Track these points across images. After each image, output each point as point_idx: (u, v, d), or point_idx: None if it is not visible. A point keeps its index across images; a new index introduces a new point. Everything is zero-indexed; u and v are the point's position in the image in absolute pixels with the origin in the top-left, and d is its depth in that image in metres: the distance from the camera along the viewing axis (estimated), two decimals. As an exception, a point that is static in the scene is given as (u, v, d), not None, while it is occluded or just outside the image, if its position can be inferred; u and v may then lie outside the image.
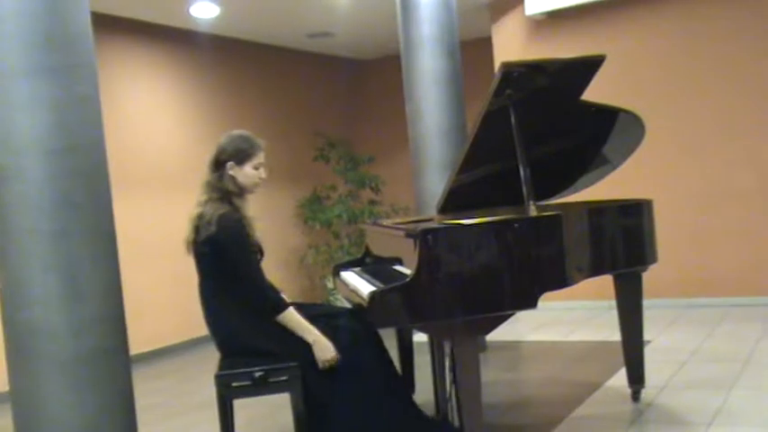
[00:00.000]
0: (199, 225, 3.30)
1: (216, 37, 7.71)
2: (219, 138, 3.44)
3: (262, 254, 3.44)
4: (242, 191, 3.39)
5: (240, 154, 3.36)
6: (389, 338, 4.18)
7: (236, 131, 3.46)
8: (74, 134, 3.05)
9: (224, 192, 3.34)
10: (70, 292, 3.02)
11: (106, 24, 6.48)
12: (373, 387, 3.28)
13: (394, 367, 3.46)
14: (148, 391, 5.44)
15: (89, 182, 3.11)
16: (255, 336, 3.28)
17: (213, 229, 3.23)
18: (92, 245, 3.09)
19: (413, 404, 3.44)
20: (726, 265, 6.50)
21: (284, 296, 3.38)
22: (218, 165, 3.37)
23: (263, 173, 3.43)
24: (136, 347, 6.22)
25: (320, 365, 3.21)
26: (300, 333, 3.24)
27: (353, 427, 3.24)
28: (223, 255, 3.25)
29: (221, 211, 3.27)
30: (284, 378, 3.21)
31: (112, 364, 3.13)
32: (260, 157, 3.40)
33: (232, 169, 3.35)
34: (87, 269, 3.06)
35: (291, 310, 3.26)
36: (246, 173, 3.38)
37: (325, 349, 3.22)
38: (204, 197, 3.36)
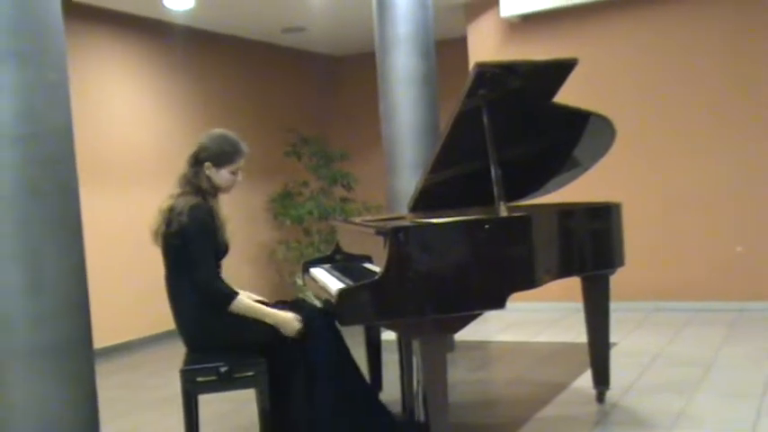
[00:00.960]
0: (170, 217, 3.28)
1: (190, 29, 7.64)
2: (201, 134, 3.44)
3: (226, 249, 3.42)
4: (215, 191, 3.40)
5: (221, 157, 3.37)
6: (358, 336, 4.18)
7: (221, 131, 3.46)
8: (41, 121, 3.01)
9: (197, 188, 3.34)
10: (32, 282, 2.97)
11: (79, 14, 6.39)
12: (335, 385, 3.29)
13: (357, 369, 3.47)
14: (113, 385, 5.39)
15: (55, 170, 3.06)
16: (220, 328, 3.26)
17: (184, 219, 3.22)
18: (56, 234, 3.05)
19: (378, 403, 3.45)
20: (692, 270, 6.58)
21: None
22: (197, 161, 3.37)
23: (239, 177, 3.44)
24: (102, 341, 6.18)
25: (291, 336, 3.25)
26: (258, 316, 3.25)
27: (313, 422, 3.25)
28: (189, 243, 3.24)
29: (193, 203, 3.27)
30: (250, 374, 3.21)
31: (75, 357, 3.09)
32: (240, 163, 3.42)
33: (209, 170, 3.35)
34: (51, 259, 3.01)
35: (240, 298, 3.27)
36: (222, 176, 3.39)
37: (288, 325, 3.25)
38: (178, 190, 3.35)
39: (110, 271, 6.60)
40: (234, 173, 3.40)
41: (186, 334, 3.38)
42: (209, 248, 3.28)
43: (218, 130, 3.46)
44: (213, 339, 3.29)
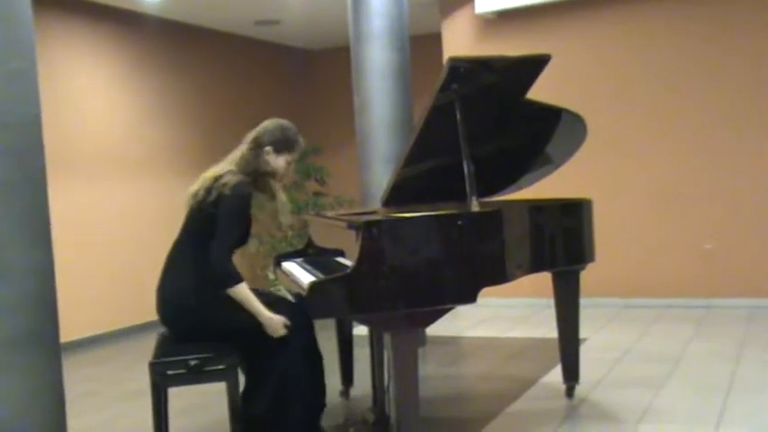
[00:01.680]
0: (212, 186, 3.30)
1: (162, 20, 7.57)
2: (264, 120, 3.52)
3: (247, 237, 3.45)
4: (272, 174, 3.46)
5: (283, 143, 3.45)
6: (329, 330, 4.18)
7: (284, 120, 3.54)
8: (8, 111, 2.95)
9: (254, 170, 3.40)
10: (-3, 272, 2.93)
11: (50, 3, 6.32)
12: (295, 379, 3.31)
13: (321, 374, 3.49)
14: (82, 379, 5.34)
15: (23, 161, 3.01)
16: (203, 304, 3.26)
17: (227, 191, 3.26)
18: (23, 226, 2.99)
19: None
20: (662, 268, 6.65)
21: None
22: (258, 145, 3.43)
23: (291, 170, 3.56)
24: (70, 334, 6.12)
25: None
26: (251, 310, 3.25)
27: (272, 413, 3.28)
28: (219, 216, 3.26)
29: (240, 179, 3.32)
30: (220, 367, 3.19)
31: (41, 350, 3.04)
32: (296, 155, 3.52)
33: (269, 155, 3.42)
34: (17, 251, 2.96)
35: (244, 285, 3.28)
36: (279, 164, 3.46)
37: (275, 329, 3.25)
38: (233, 167, 3.38)
39: (79, 264, 6.54)
40: (289, 163, 3.48)
41: (169, 304, 3.34)
42: (235, 228, 3.31)
43: (280, 120, 3.53)
44: (194, 315, 3.26)
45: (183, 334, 3.33)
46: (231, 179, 3.30)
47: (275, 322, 3.25)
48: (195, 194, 3.35)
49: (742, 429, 3.53)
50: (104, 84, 7.08)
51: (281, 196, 3.53)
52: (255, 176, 3.42)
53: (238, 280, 3.26)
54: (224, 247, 3.27)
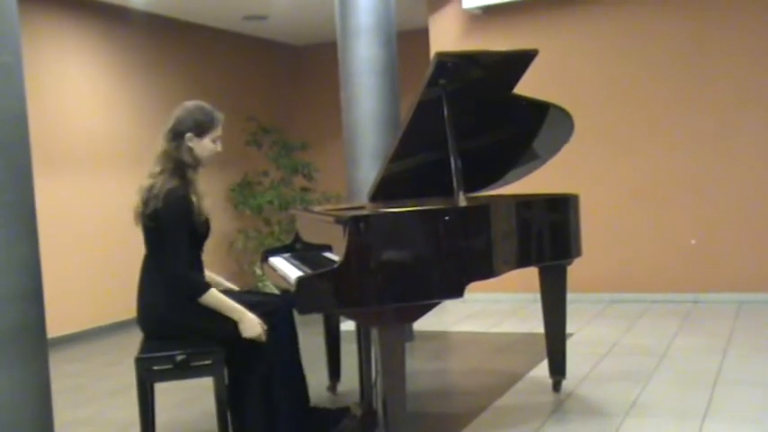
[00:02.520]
0: (147, 197, 3.24)
1: (150, 15, 7.54)
2: (176, 108, 3.39)
3: (208, 229, 3.39)
4: (197, 163, 3.36)
5: (201, 125, 3.33)
6: (317, 326, 4.19)
7: (194, 102, 3.41)
8: (-6, 105, 2.94)
9: (179, 163, 3.30)
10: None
11: (34, -3, 6.28)
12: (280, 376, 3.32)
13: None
14: (69, 374, 5.32)
15: (8, 156, 2.98)
16: (186, 317, 3.23)
17: (159, 204, 3.19)
18: (9, 221, 2.97)
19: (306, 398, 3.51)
20: (647, 263, 6.68)
21: (208, 274, 3.43)
22: (177, 135, 3.31)
23: (219, 146, 3.42)
24: (58, 329, 6.10)
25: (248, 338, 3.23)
26: (226, 312, 3.22)
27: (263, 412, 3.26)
28: (163, 230, 3.21)
29: (169, 186, 3.23)
30: (207, 362, 3.18)
31: (28, 345, 3.03)
32: (219, 130, 3.39)
33: (191, 141, 3.32)
34: (3, 246, 2.95)
35: (212, 291, 3.23)
36: (205, 145, 3.36)
37: (251, 327, 3.21)
38: (158, 168, 3.30)
39: (65, 259, 6.51)
40: (214, 141, 3.38)
41: (148, 318, 3.33)
42: (183, 237, 3.23)
43: (190, 102, 3.41)
44: (174, 328, 3.25)
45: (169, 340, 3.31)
46: (161, 189, 3.21)
47: (251, 321, 3.21)
48: (137, 209, 3.30)
49: (728, 423, 3.55)
50: (91, 79, 7.04)
51: (200, 189, 3.37)
52: (183, 169, 3.31)
53: (205, 288, 3.22)
54: (178, 259, 3.20)
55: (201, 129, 3.33)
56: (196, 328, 3.24)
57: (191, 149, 3.32)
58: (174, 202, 3.20)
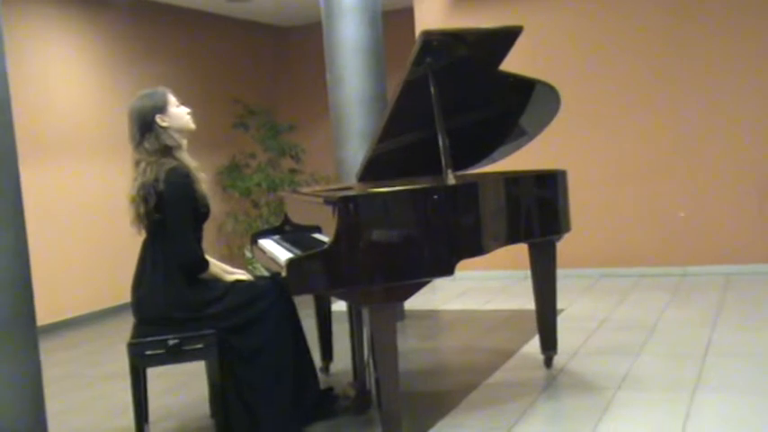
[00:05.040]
0: (145, 194, 3.21)
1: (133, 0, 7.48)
2: (127, 113, 3.34)
3: (208, 210, 3.39)
4: (180, 142, 3.34)
5: (158, 103, 3.31)
6: (308, 307, 4.19)
7: (137, 94, 3.38)
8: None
9: (164, 150, 3.29)
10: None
11: (14, -18, 6.21)
12: (285, 363, 3.30)
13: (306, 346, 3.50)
14: (60, 362, 5.31)
15: (-7, 143, 2.97)
16: (189, 300, 3.23)
17: (162, 185, 3.18)
18: (-5, 209, 2.97)
19: (316, 384, 3.52)
20: (636, 237, 6.71)
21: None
22: (147, 126, 3.28)
23: (185, 108, 3.40)
24: (47, 317, 6.08)
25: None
26: (223, 278, 3.37)
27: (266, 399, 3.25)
28: (169, 209, 3.21)
29: (169, 166, 3.22)
30: (199, 346, 3.18)
31: (18, 333, 3.03)
32: (173, 97, 3.37)
33: (162, 120, 3.29)
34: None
35: (211, 263, 3.36)
36: (176, 114, 3.34)
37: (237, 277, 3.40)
38: (142, 165, 3.26)
39: (53, 246, 6.49)
40: (179, 106, 3.37)
41: (148, 304, 3.27)
42: (188, 216, 3.26)
43: (135, 96, 3.37)
44: (183, 326, 3.22)
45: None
46: (157, 172, 3.20)
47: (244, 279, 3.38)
48: (138, 217, 3.27)
49: (719, 393, 3.58)
50: (75, 65, 6.98)
51: (193, 166, 3.36)
52: (170, 153, 3.30)
53: (207, 263, 3.33)
54: (186, 238, 3.24)
55: (161, 104, 3.31)
56: (200, 323, 3.22)
57: (167, 128, 3.30)
58: (177, 179, 3.21)
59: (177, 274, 3.23)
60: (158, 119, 3.28)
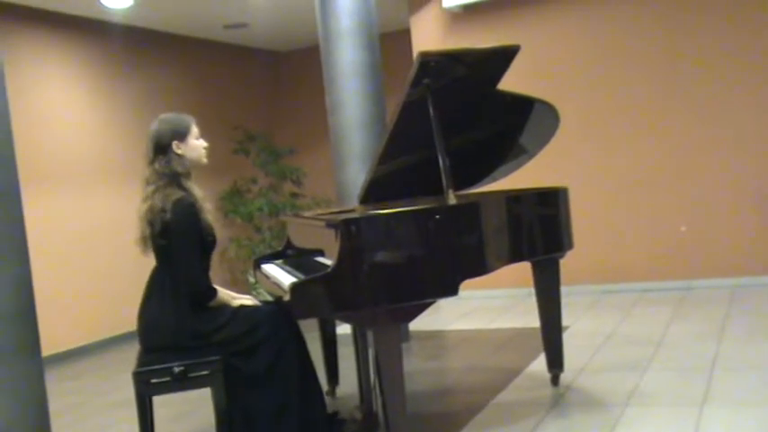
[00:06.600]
0: (152, 218, 3.23)
1: (129, 28, 7.52)
2: (148, 131, 3.36)
3: (214, 239, 3.39)
4: (189, 171, 3.36)
5: (180, 130, 3.34)
6: (312, 330, 4.18)
7: (162, 116, 3.41)
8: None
9: (173, 176, 3.29)
10: (-24, 290, 2.90)
11: (15, 15, 6.25)
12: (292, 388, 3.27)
13: (312, 368, 3.46)
14: (65, 392, 5.29)
15: (-5, 175, 2.98)
16: (196, 327, 3.22)
17: (168, 216, 3.18)
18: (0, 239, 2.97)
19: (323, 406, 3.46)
20: (638, 252, 6.70)
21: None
22: (162, 149, 3.30)
23: (204, 142, 3.43)
24: (52, 347, 6.07)
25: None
26: (230, 303, 3.35)
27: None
28: (175, 239, 3.21)
29: (175, 197, 3.22)
30: (205, 372, 3.16)
31: (23, 364, 3.02)
32: (196, 128, 3.41)
33: (178, 148, 3.31)
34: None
35: (218, 292, 3.33)
36: (193, 145, 3.37)
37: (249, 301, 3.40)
38: (151, 188, 3.28)
39: (54, 277, 6.48)
40: (198, 138, 3.40)
41: (155, 331, 3.27)
42: (195, 246, 3.25)
43: (157, 118, 3.40)
44: (183, 338, 3.22)
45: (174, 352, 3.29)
46: (164, 201, 3.21)
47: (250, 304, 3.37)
48: (144, 239, 3.28)
49: (727, 407, 3.56)
50: (74, 95, 7.01)
51: (200, 195, 3.36)
52: (178, 181, 3.31)
53: (214, 291, 3.31)
54: (192, 267, 3.23)
55: (182, 132, 3.34)
56: (207, 351, 3.21)
57: (180, 156, 3.32)
58: (183, 210, 3.21)
59: (184, 301, 3.23)
60: (175, 145, 3.31)
